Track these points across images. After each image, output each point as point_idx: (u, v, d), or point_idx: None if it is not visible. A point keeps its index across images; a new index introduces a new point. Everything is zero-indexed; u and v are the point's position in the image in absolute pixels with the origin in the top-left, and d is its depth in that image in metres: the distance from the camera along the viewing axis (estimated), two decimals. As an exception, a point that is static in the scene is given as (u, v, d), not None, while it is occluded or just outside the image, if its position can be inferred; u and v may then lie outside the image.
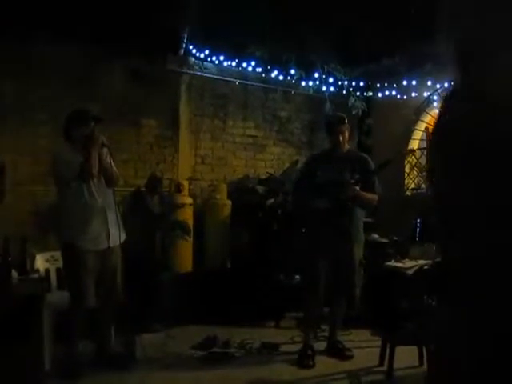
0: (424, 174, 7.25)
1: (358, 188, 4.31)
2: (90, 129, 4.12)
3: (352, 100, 7.21)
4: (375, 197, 4.48)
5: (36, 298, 4.09)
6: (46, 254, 4.73)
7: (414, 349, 4.23)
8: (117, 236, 4.22)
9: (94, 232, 4.10)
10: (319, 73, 6.97)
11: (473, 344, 1.00)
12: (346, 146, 4.59)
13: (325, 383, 4.03)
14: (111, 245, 4.17)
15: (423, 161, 7.61)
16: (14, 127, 5.18)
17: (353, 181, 4.33)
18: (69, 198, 4.11)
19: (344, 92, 7.20)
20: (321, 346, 4.76)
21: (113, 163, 4.29)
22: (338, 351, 4.59)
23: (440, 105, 1.17)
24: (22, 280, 4.04)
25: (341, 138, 4.50)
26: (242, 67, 6.66)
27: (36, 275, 4.33)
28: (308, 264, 4.53)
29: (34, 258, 4.56)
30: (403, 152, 4.91)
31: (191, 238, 5.75)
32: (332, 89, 7.19)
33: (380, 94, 7.36)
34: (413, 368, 4.19)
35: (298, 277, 5.82)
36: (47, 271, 4.63)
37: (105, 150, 4.19)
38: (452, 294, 1.08)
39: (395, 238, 6.01)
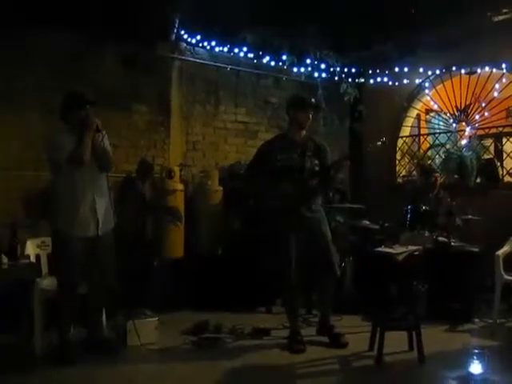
0: (415, 161, 7.28)
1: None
2: (85, 112, 4.09)
3: (344, 86, 7.20)
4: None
5: (27, 284, 4.09)
6: (37, 239, 4.71)
7: (403, 334, 4.26)
8: (107, 223, 4.20)
9: (83, 219, 4.06)
10: (311, 59, 6.95)
11: None
12: (304, 132, 4.59)
13: (316, 368, 4.06)
14: (100, 233, 4.14)
15: (414, 148, 7.64)
16: (2, 112, 5.12)
17: (317, 168, 4.41)
18: (60, 184, 4.08)
19: (336, 78, 7.18)
20: (312, 331, 4.78)
21: (109, 147, 4.26)
22: (333, 337, 4.55)
23: None
24: (13, 265, 4.03)
25: (308, 122, 4.54)
26: (234, 53, 6.63)
27: (26, 261, 4.33)
28: (276, 253, 4.49)
29: (24, 244, 4.55)
30: (384, 141, 4.86)
31: (182, 224, 5.74)
32: (324, 75, 7.17)
33: (372, 81, 7.36)
34: (402, 353, 4.22)
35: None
36: (38, 257, 4.62)
37: (100, 134, 4.16)
38: None
39: (386, 224, 6.04)
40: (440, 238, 5.42)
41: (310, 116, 4.56)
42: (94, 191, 4.12)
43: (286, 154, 4.44)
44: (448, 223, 5.59)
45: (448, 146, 6.89)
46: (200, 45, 6.48)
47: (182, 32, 6.25)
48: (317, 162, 4.44)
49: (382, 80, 7.25)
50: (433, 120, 7.61)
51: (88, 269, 4.13)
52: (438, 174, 6.25)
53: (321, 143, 4.65)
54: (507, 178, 6.46)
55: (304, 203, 4.41)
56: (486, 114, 6.61)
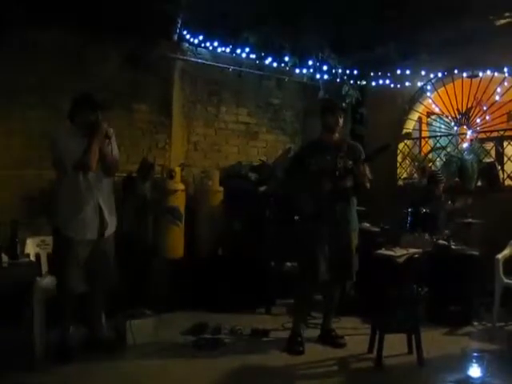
0: (416, 163, 7.27)
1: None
2: (95, 116, 4.06)
3: (346, 88, 7.19)
4: (368, 184, 4.51)
5: (26, 283, 4.08)
6: (37, 238, 4.71)
7: (403, 336, 4.26)
8: (109, 226, 4.20)
9: (85, 222, 4.05)
10: (313, 60, 6.94)
11: None
12: (336, 134, 4.59)
13: (315, 369, 4.06)
14: (105, 235, 4.15)
15: (416, 150, 7.63)
16: (4, 111, 5.12)
17: (350, 166, 4.37)
18: (65, 184, 4.06)
19: (338, 80, 7.18)
20: (311, 333, 4.78)
21: (117, 151, 4.25)
22: (331, 339, 4.60)
23: None
24: (13, 264, 4.02)
25: (338, 125, 4.53)
26: (236, 53, 6.62)
27: (26, 259, 4.32)
28: (307, 252, 4.46)
29: (24, 243, 4.54)
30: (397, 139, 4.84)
31: (183, 225, 5.74)
32: (326, 77, 7.17)
33: (374, 83, 7.35)
34: (402, 356, 4.22)
35: (289, 264, 5.85)
36: (38, 256, 4.62)
37: (108, 142, 4.13)
38: None
39: (386, 227, 6.03)
40: (440, 241, 5.42)
41: (340, 120, 4.55)
42: (98, 193, 4.11)
43: (319, 157, 4.44)
44: (448, 226, 5.59)
45: (449, 149, 6.89)
46: (202, 45, 6.47)
47: (185, 32, 6.25)
48: (350, 162, 4.42)
49: (384, 82, 7.24)
50: (434, 123, 7.60)
51: (88, 269, 4.12)
52: (442, 179, 6.22)
53: (354, 143, 4.70)
54: (508, 182, 6.46)
55: (337, 203, 4.39)
56: (488, 117, 6.61)
